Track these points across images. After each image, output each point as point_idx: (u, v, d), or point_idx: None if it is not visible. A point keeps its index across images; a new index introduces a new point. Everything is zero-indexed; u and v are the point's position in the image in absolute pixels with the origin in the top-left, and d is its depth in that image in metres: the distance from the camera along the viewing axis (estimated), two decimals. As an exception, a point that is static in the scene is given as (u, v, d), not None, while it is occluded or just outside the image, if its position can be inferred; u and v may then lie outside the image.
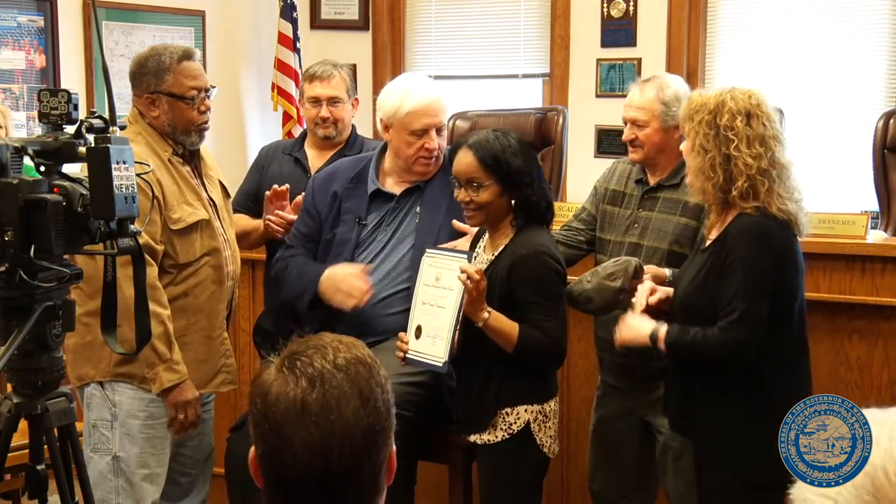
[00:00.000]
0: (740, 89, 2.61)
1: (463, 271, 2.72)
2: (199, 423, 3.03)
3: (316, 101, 3.63)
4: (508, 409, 2.83)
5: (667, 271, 2.90)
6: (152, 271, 2.82)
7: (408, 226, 3.17)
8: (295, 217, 3.38)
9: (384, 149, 3.26)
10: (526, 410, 2.83)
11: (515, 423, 2.82)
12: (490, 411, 2.83)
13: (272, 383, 1.36)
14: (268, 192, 3.45)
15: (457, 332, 2.79)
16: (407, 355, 2.87)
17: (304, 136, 3.80)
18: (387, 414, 1.38)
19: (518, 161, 2.82)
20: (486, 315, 2.75)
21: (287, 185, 3.43)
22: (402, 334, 2.91)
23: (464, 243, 3.04)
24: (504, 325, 2.77)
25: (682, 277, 2.74)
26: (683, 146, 2.70)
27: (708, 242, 2.67)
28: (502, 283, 2.80)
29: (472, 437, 2.88)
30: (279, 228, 3.42)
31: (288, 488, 1.36)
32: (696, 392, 2.69)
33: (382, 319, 3.07)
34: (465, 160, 2.84)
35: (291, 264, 3.23)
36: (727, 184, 2.55)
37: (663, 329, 2.64)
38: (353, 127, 3.73)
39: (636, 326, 2.71)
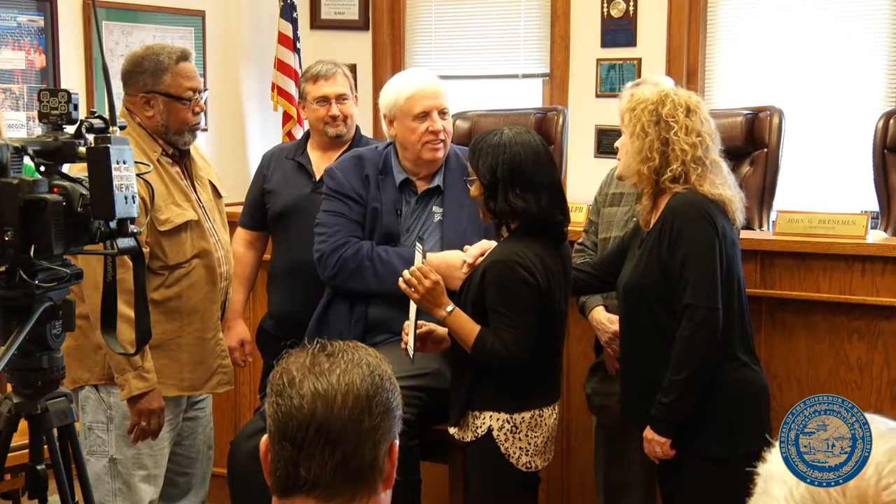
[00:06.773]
0: (682, 91, 2.78)
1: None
2: (160, 431, 2.95)
3: (324, 99, 3.59)
4: (477, 412, 2.82)
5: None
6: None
7: (426, 224, 3.18)
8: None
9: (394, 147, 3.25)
10: (491, 417, 2.81)
11: (480, 427, 2.81)
12: (461, 409, 2.84)
13: (293, 354, 1.51)
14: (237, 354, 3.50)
15: (416, 327, 2.81)
16: (406, 347, 2.89)
17: (305, 139, 3.74)
18: (391, 394, 1.48)
19: (488, 161, 2.77)
20: (443, 313, 2.76)
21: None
22: (406, 325, 2.92)
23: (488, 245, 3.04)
24: (464, 325, 2.76)
25: (625, 266, 2.83)
26: (620, 140, 2.82)
27: (647, 231, 2.76)
28: (476, 286, 2.79)
29: (452, 430, 2.89)
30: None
31: (291, 440, 1.43)
32: (652, 375, 2.73)
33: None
34: None
35: (372, 254, 3.11)
36: (662, 167, 2.68)
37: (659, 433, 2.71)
38: (357, 126, 3.71)
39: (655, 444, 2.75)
